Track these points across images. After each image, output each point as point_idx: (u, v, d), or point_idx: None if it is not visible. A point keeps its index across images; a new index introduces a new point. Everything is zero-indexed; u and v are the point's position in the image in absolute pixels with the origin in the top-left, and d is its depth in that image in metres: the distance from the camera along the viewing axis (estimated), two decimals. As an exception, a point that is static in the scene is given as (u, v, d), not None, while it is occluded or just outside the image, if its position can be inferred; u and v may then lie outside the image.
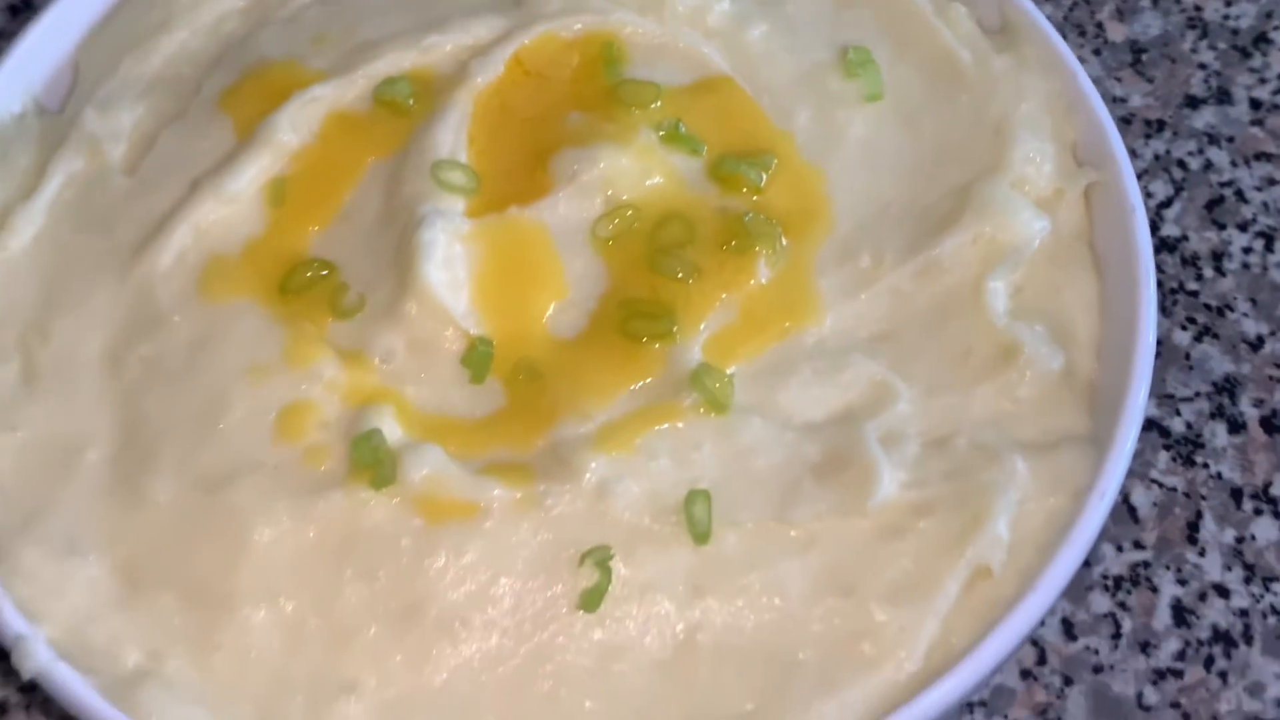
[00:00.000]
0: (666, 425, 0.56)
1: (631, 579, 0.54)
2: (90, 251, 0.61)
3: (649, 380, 0.58)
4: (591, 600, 0.54)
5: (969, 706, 0.67)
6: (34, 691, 0.68)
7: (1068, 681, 0.67)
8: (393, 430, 0.56)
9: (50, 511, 0.56)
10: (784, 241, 0.60)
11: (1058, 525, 0.55)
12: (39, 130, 0.65)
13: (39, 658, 0.53)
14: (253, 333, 0.58)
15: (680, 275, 0.59)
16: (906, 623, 0.54)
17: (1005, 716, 0.67)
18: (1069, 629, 0.68)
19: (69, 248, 0.62)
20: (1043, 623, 0.67)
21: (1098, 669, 0.67)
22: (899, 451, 0.57)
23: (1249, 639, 0.68)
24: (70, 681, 0.53)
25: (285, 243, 0.61)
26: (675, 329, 0.58)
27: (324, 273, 0.59)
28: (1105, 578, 0.69)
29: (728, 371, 0.58)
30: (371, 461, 0.55)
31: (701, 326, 0.59)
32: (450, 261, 0.58)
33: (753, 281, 0.60)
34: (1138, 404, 0.57)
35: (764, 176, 0.61)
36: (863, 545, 0.55)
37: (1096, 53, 0.83)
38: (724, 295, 0.59)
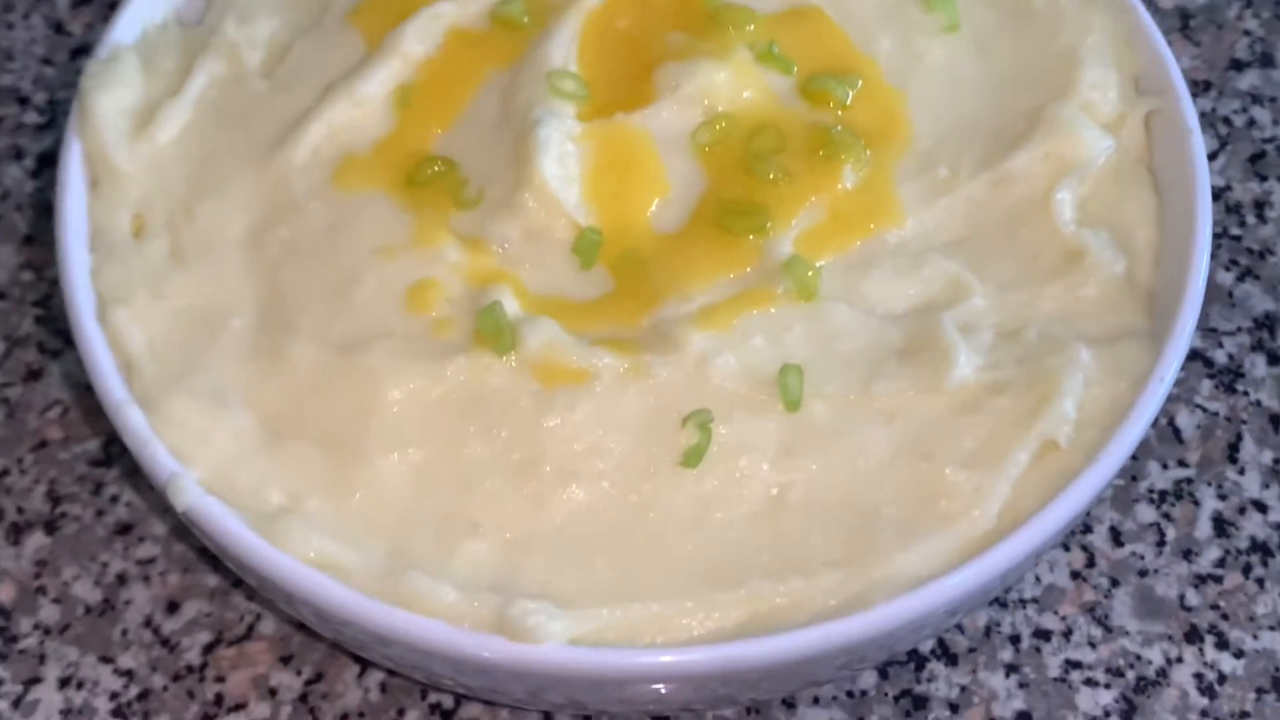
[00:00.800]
0: (760, 310, 0.58)
1: (728, 440, 0.56)
2: (232, 145, 0.63)
3: (745, 270, 0.60)
4: (693, 457, 0.56)
5: (1022, 602, 0.69)
6: (151, 563, 0.72)
7: (1114, 583, 0.69)
8: (511, 306, 0.58)
9: (199, 369, 0.58)
10: (867, 153, 0.62)
11: (1120, 408, 0.57)
12: (181, 39, 0.67)
13: (190, 494, 0.55)
14: (382, 218, 0.60)
15: (773, 177, 0.61)
16: (981, 484, 0.55)
17: (1056, 612, 0.69)
18: (1116, 536, 0.71)
19: (213, 141, 0.64)
20: (1089, 529, 0.70)
21: (1143, 573, 0.69)
22: (974, 339, 0.58)
23: (1284, 549, 0.69)
24: (219, 514, 0.55)
25: (411, 142, 0.63)
26: (769, 225, 0.60)
27: (446, 169, 0.61)
28: (1151, 491, 0.72)
29: (817, 264, 0.60)
30: (494, 330, 0.57)
31: (793, 223, 0.61)
32: (563, 159, 0.60)
33: (839, 186, 0.62)
34: (1194, 300, 0.59)
35: (850, 94, 0.63)
36: (941, 418, 0.57)
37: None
38: (813, 197, 0.61)
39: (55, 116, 0.82)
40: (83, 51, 0.84)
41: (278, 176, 0.62)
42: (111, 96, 0.63)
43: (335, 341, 0.57)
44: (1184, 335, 0.57)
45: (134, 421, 0.56)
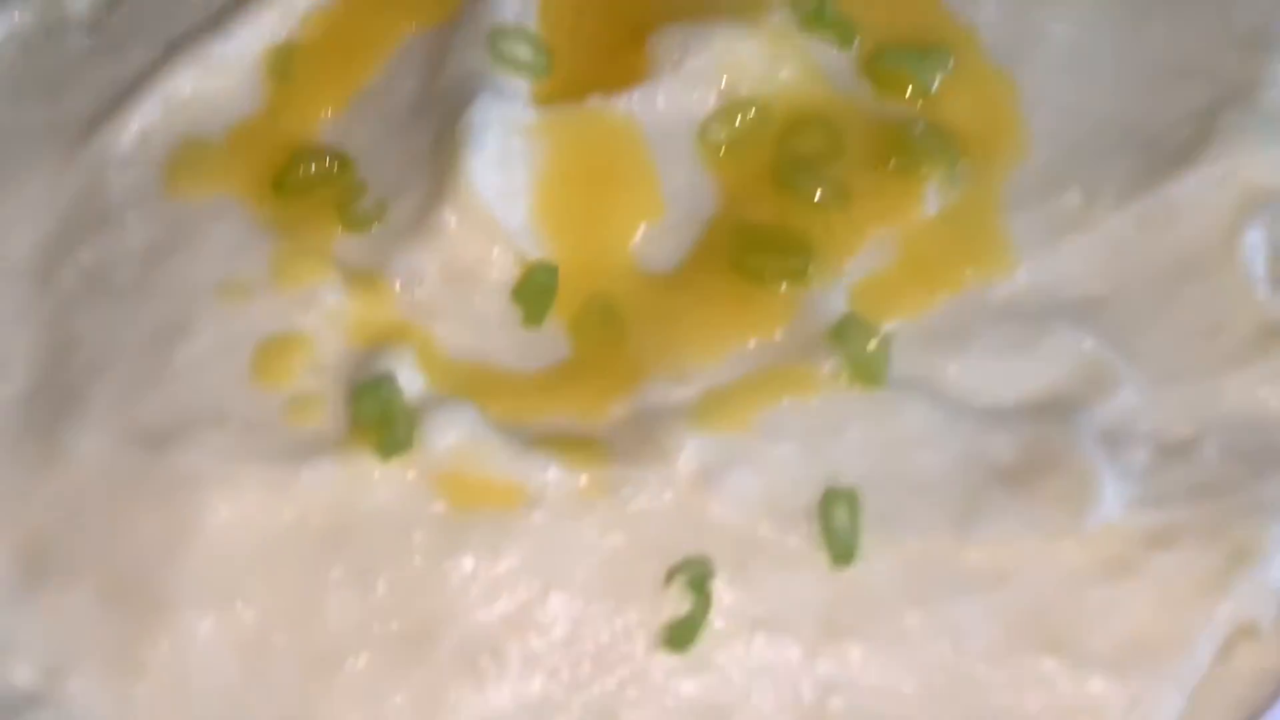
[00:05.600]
0: (795, 399, 0.50)
1: (739, 609, 0.47)
2: (31, 124, 0.57)
3: (773, 336, 0.51)
4: (681, 636, 0.47)
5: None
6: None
7: None
8: (412, 380, 0.50)
9: None
10: (962, 164, 0.54)
11: None
12: None
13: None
14: (232, 240, 0.53)
15: (819, 198, 0.53)
16: (1139, 697, 0.47)
17: None
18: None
19: (3, 119, 0.57)
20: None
21: None
22: (1124, 456, 0.50)
23: None
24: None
25: (287, 127, 0.56)
26: (811, 268, 0.52)
27: (335, 167, 0.54)
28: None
29: (883, 329, 0.51)
30: (381, 419, 0.48)
31: (847, 268, 0.53)
32: (506, 160, 0.53)
33: (918, 213, 0.54)
34: None
35: (937, 78, 0.56)
36: (1076, 583, 0.48)
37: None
38: (879, 229, 0.53)
39: None
40: None
41: (89, 171, 0.55)
42: None
43: (139, 428, 0.50)
44: None
45: None
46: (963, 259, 0.53)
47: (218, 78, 0.55)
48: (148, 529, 0.48)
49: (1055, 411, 0.50)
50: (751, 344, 0.51)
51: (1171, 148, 0.55)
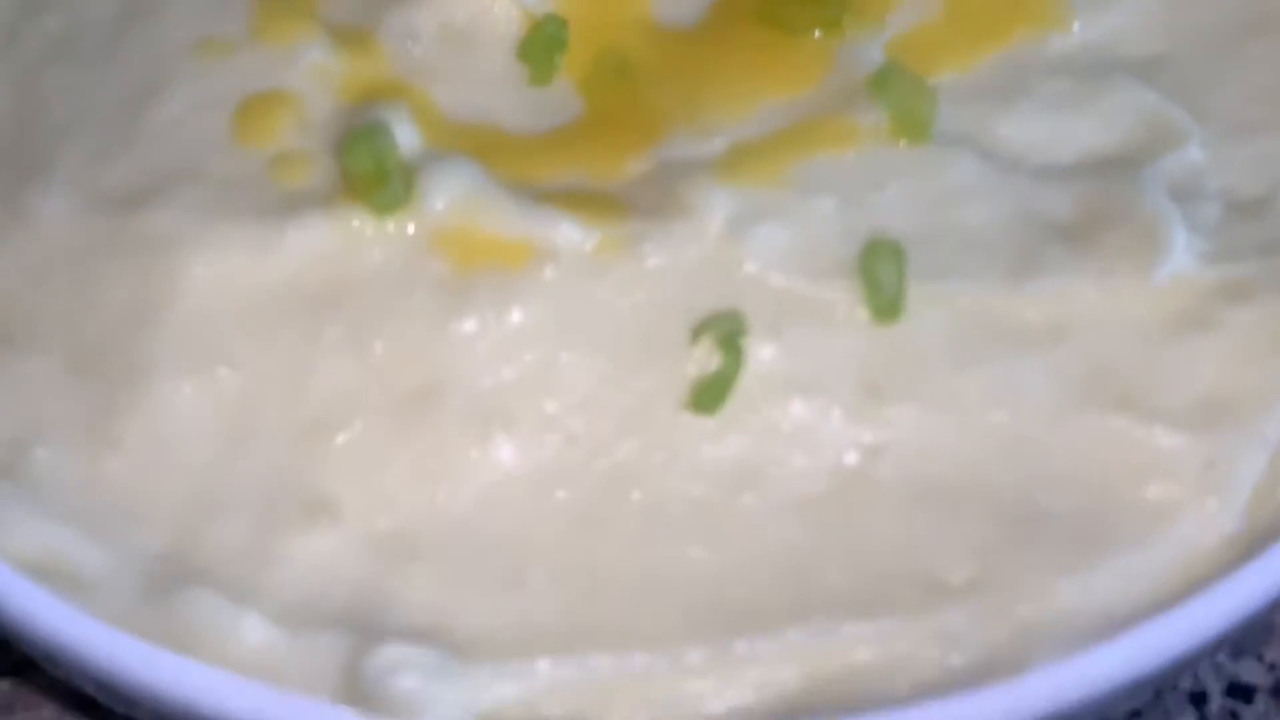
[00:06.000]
0: (831, 154, 0.48)
1: (774, 369, 0.46)
2: None
3: (807, 89, 0.50)
4: (710, 396, 0.45)
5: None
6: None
7: None
8: (409, 136, 0.48)
9: None
10: None
11: None
12: None
13: None
14: None
15: None
16: (1218, 455, 0.45)
17: (1260, 658, 0.58)
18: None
19: None
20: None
21: None
22: (1194, 211, 0.48)
23: None
24: None
25: None
26: (846, 17, 0.50)
27: None
28: None
29: (929, 82, 0.50)
30: (374, 171, 0.46)
31: (888, 20, 0.51)
32: None
33: None
34: None
35: None
36: (1144, 339, 0.46)
37: None
38: None
39: None
40: None
41: None
42: None
43: (111, 191, 0.48)
44: None
45: None
46: (1013, 11, 0.51)
47: None
48: (119, 294, 0.46)
49: (1118, 167, 0.48)
50: (784, 98, 0.49)
51: None
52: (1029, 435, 0.45)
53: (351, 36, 0.50)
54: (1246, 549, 0.43)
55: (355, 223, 0.46)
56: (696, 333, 0.45)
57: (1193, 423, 0.45)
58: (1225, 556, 0.43)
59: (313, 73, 0.49)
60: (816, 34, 0.49)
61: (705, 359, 0.45)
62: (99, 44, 0.50)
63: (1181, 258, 0.46)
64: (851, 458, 0.45)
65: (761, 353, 0.45)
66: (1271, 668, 0.58)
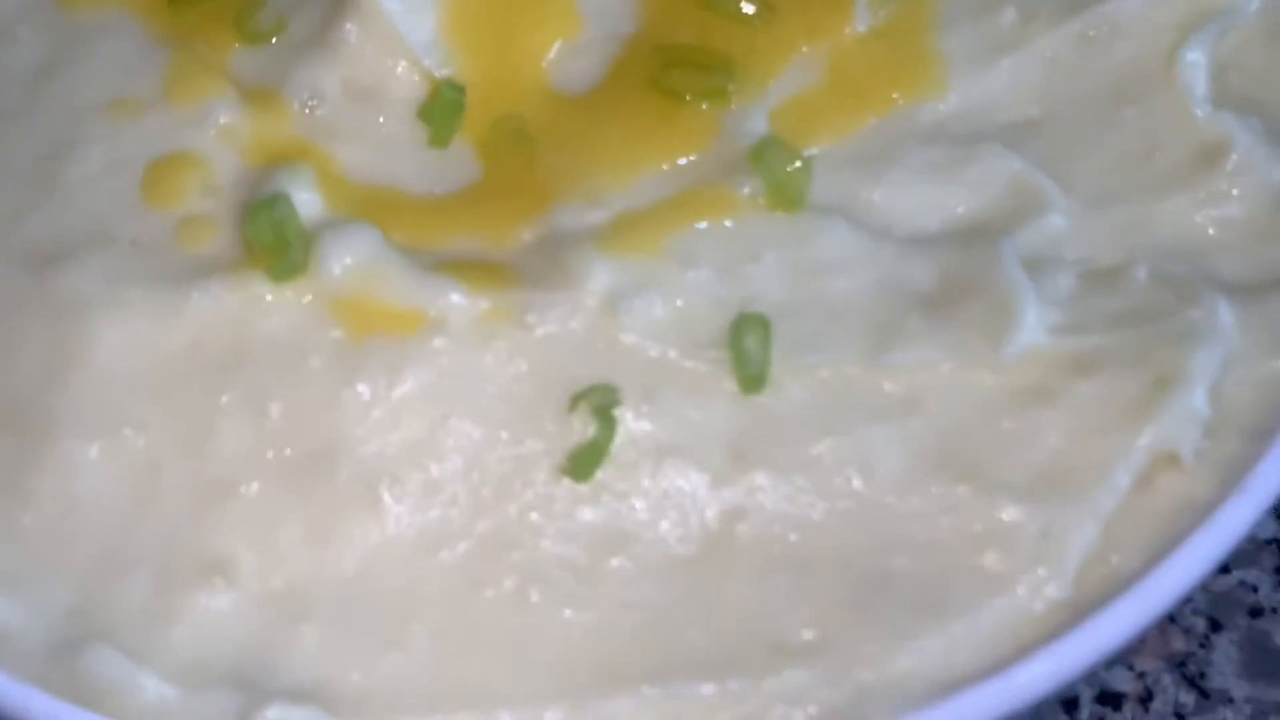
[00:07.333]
0: (711, 222, 0.49)
1: (645, 437, 0.47)
2: None
3: (690, 157, 0.51)
4: (584, 463, 0.46)
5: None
6: None
7: (1215, 626, 0.62)
8: (311, 202, 0.49)
9: None
10: None
11: (1276, 400, 0.48)
12: None
13: None
14: (124, 56, 0.52)
15: (746, 12, 0.52)
16: (1052, 526, 0.46)
17: (1130, 667, 0.61)
18: (1217, 558, 0.61)
19: None
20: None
21: (1255, 611, 0.62)
22: (1049, 282, 0.49)
23: None
24: None
25: None
26: (732, 87, 0.51)
27: None
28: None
29: (805, 153, 0.51)
30: (274, 241, 0.47)
31: (770, 87, 0.52)
32: None
33: (848, 29, 0.53)
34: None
35: None
36: (991, 411, 0.48)
37: None
38: (805, 46, 0.52)
39: None
40: None
41: None
42: None
43: (24, 251, 0.49)
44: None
45: None
46: (892, 79, 0.52)
47: None
48: (32, 354, 0.47)
49: (979, 237, 0.49)
50: (668, 166, 0.50)
51: None
52: (879, 502, 0.46)
53: (259, 95, 0.50)
54: (1074, 615, 0.44)
55: (255, 289, 0.46)
56: (573, 402, 0.46)
57: (1031, 493, 0.46)
58: (1054, 622, 0.44)
59: (220, 134, 0.49)
60: (705, 106, 0.50)
61: (582, 427, 0.46)
62: (18, 98, 0.51)
63: (1032, 332, 0.47)
64: (715, 521, 0.46)
65: (635, 421, 0.46)
66: (1141, 675, 0.61)
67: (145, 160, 0.49)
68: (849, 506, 0.46)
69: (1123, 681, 0.60)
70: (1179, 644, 0.60)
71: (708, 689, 0.44)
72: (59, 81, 0.51)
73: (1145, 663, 0.60)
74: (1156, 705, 0.60)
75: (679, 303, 0.48)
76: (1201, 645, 0.61)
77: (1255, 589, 0.62)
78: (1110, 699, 0.60)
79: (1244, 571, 0.62)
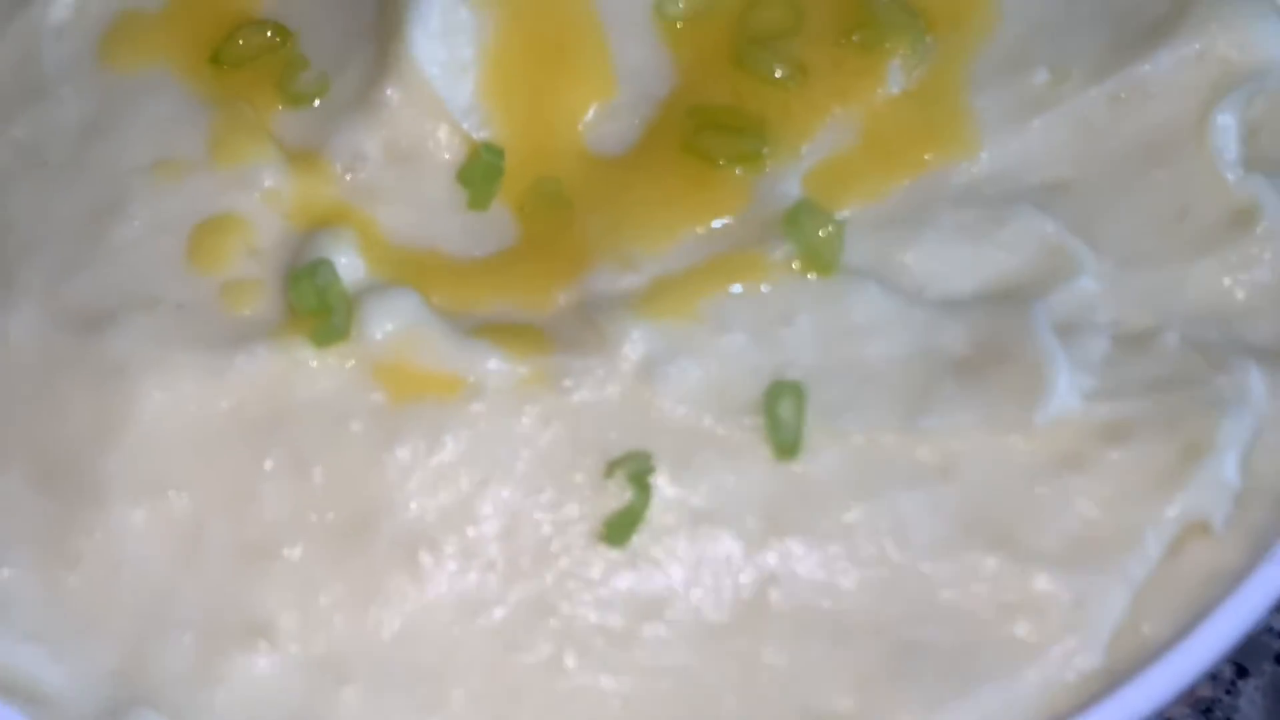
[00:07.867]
0: (745, 286, 0.49)
1: (681, 503, 0.47)
2: None
3: (724, 220, 0.51)
4: (620, 529, 0.46)
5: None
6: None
7: (1241, 672, 0.62)
8: (353, 266, 0.49)
9: None
10: (928, 39, 0.53)
11: None
12: None
13: None
14: (168, 115, 0.52)
15: (778, 76, 0.52)
16: (1084, 595, 0.46)
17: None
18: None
19: None
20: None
21: None
22: (1081, 347, 0.49)
23: None
24: None
25: None
26: (766, 150, 0.51)
27: (275, 39, 0.53)
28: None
29: (838, 216, 0.51)
30: (317, 306, 0.48)
31: (804, 150, 0.52)
32: (451, 34, 0.52)
33: (880, 91, 0.53)
34: None
35: None
36: (1024, 478, 0.48)
37: None
38: (838, 108, 0.52)
39: None
40: None
41: (21, 42, 0.54)
42: None
43: (70, 311, 0.49)
44: None
45: None
46: (924, 140, 0.52)
47: (154, -54, 0.54)
48: (79, 415, 0.47)
49: (1011, 300, 0.49)
50: (702, 230, 0.50)
51: (1144, 24, 0.53)
52: (913, 569, 0.46)
53: (301, 157, 0.51)
54: (1106, 684, 0.45)
55: (299, 354, 0.47)
56: (609, 469, 0.46)
57: (1063, 562, 0.46)
58: (1086, 691, 0.45)
59: (264, 197, 0.50)
60: (738, 170, 0.50)
61: (618, 492, 0.46)
62: (63, 155, 0.51)
63: (1064, 398, 0.47)
64: (749, 588, 0.46)
65: (670, 487, 0.46)
66: (1167, 722, 0.61)
67: (190, 222, 0.49)
68: (882, 574, 0.46)
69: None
70: (1205, 690, 0.60)
71: None
72: (103, 142, 0.51)
73: (1172, 709, 0.56)
74: (1184, 752, 0.58)
75: (714, 368, 0.48)
76: (1228, 691, 0.61)
77: (1282, 635, 0.61)
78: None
79: (1271, 618, 0.55)
